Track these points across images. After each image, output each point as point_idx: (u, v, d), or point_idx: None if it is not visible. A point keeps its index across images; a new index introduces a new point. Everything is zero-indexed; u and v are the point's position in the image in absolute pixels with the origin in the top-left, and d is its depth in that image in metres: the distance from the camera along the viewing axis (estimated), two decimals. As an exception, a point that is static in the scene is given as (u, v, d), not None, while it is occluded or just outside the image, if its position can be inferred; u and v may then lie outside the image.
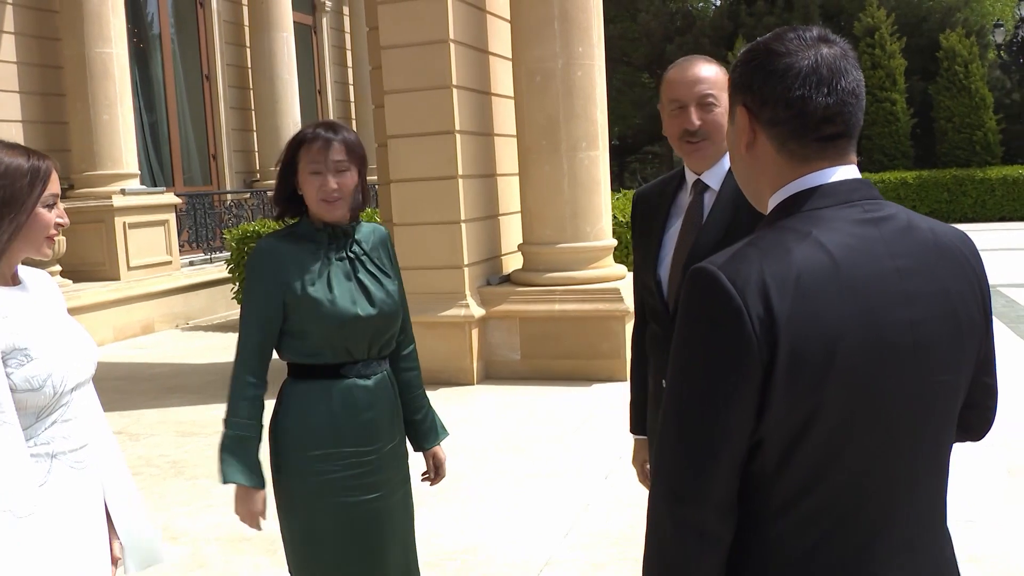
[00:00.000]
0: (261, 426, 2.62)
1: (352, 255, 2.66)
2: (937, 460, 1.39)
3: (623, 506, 4.90)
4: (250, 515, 2.62)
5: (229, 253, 11.72)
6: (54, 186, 2.09)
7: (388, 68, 7.82)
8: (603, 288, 7.96)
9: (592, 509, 4.88)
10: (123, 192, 11.43)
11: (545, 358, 7.94)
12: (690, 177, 2.52)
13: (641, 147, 35.81)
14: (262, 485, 2.60)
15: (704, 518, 1.31)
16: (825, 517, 1.33)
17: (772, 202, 1.42)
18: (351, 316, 2.57)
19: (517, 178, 8.74)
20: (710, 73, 2.43)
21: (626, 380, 7.69)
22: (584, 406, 7.06)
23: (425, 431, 2.88)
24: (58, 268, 10.75)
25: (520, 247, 8.51)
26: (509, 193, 8.77)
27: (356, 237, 2.68)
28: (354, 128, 19.22)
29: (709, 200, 2.48)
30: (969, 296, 1.38)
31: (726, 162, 2.48)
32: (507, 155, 8.71)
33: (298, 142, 2.62)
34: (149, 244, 11.76)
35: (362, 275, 2.65)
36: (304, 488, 2.62)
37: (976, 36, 27.18)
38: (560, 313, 7.93)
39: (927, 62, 27.12)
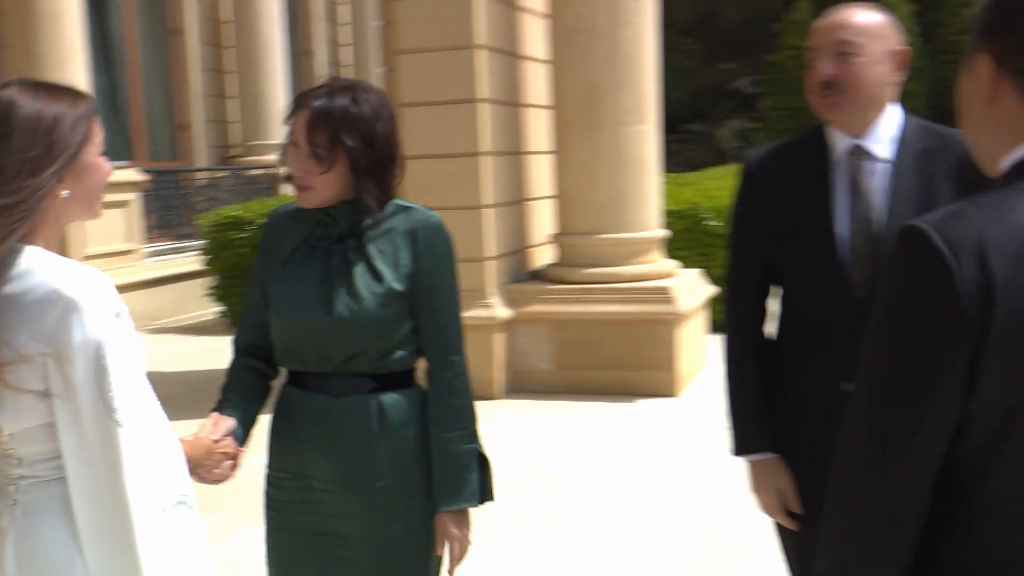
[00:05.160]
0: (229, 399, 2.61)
1: (341, 243, 2.55)
2: None
3: (687, 538, 4.94)
4: None
5: (203, 242, 11.73)
6: (100, 129, 2.08)
7: (402, 23, 7.84)
8: (650, 287, 7.99)
9: (652, 543, 4.91)
10: (79, 167, 11.48)
11: (582, 368, 7.98)
12: (840, 141, 2.56)
13: (680, 125, 35.84)
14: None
15: (898, 501, 1.40)
16: None
17: (1009, 160, 1.47)
18: (293, 316, 2.53)
19: (550, 157, 8.76)
20: (856, 19, 2.48)
21: (676, 395, 7.80)
22: (629, 425, 7.10)
23: (438, 487, 2.56)
24: None
25: (553, 238, 8.54)
26: (540, 174, 8.81)
27: (363, 222, 2.53)
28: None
29: (876, 169, 2.53)
30: None
31: (888, 124, 2.54)
32: (538, 129, 8.74)
33: (295, 101, 2.55)
34: (107, 229, 11.75)
35: (337, 269, 2.53)
36: (267, 509, 2.68)
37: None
38: (600, 316, 7.95)
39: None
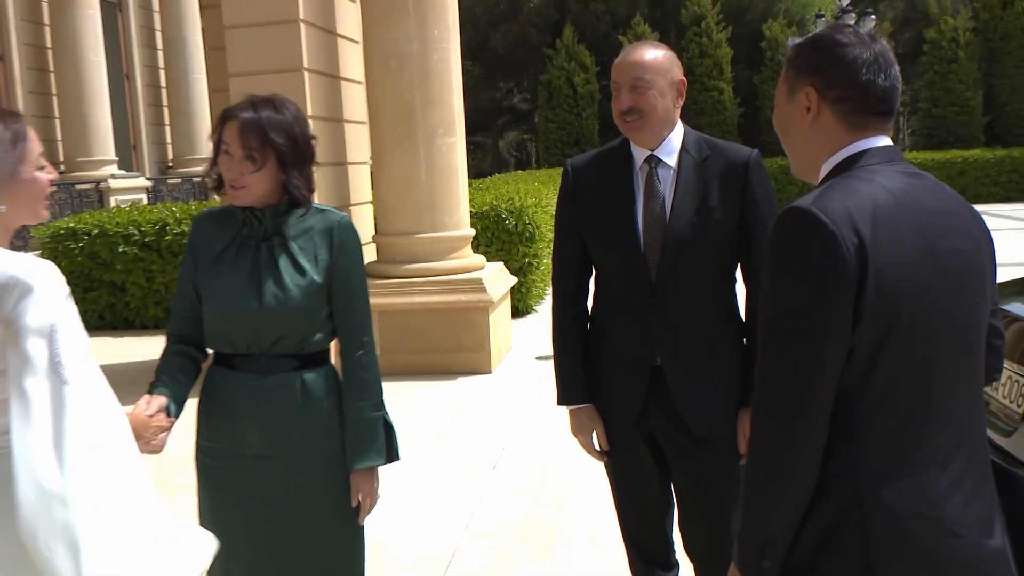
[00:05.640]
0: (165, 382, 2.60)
1: (267, 241, 2.59)
2: (974, 369, 1.74)
3: (517, 494, 5.09)
4: None
5: (37, 252, 11.22)
6: (38, 143, 2.11)
7: (233, 49, 7.70)
8: (464, 279, 8.12)
9: (487, 499, 5.04)
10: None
11: (406, 353, 8.01)
12: (639, 153, 2.82)
13: (466, 137, 36.22)
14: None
15: (813, 422, 1.61)
16: (904, 420, 1.64)
17: (829, 163, 1.78)
18: (227, 306, 2.56)
19: (366, 167, 8.78)
20: (647, 58, 2.75)
21: (490, 372, 7.97)
22: (454, 400, 7.22)
23: (350, 449, 2.64)
24: None
25: (374, 238, 8.56)
26: (359, 183, 8.79)
27: (285, 222, 2.60)
28: (166, 116, 18.67)
29: (665, 175, 2.79)
30: (984, 241, 1.75)
31: (675, 139, 2.81)
32: (355, 143, 8.73)
33: (222, 117, 2.59)
34: (-57, 244, 11.10)
35: (265, 265, 2.57)
36: (198, 469, 2.70)
37: (798, 26, 28.93)
38: (420, 306, 8.03)
39: (751, 51, 28.66)
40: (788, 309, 1.62)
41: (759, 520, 1.69)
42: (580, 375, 2.93)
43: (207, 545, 2.16)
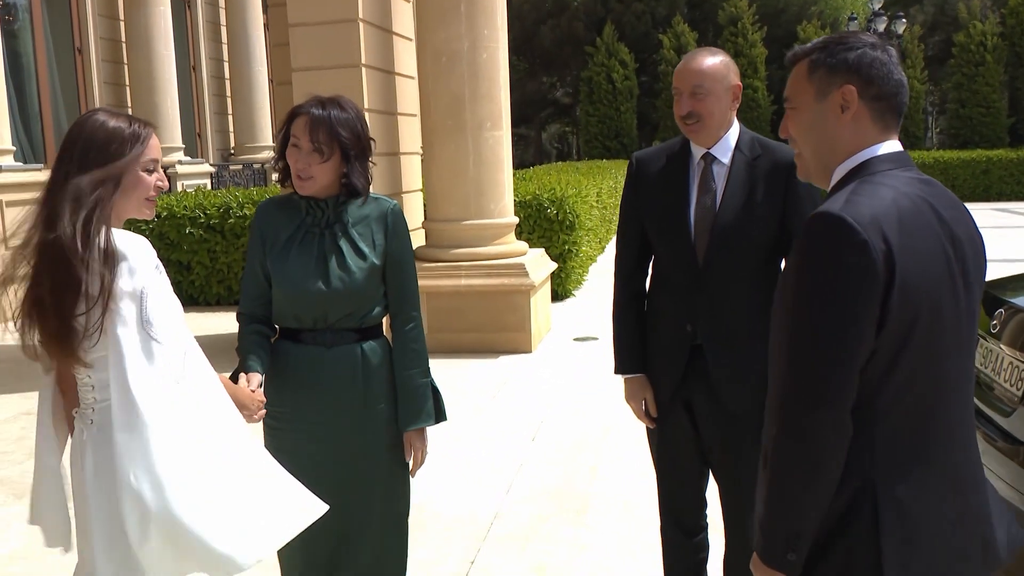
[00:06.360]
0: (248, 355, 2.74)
1: (329, 228, 2.71)
2: (970, 368, 1.78)
3: (554, 464, 5.23)
4: None
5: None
6: (154, 151, 2.27)
7: (297, 46, 7.86)
8: (508, 264, 8.25)
9: (526, 468, 5.19)
10: (-1, 168, 11.07)
11: (451, 332, 8.16)
12: (697, 151, 2.93)
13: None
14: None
15: (840, 416, 1.62)
16: (915, 415, 1.67)
17: (844, 167, 1.77)
18: (298, 288, 2.68)
19: (417, 157, 8.93)
20: (705, 66, 2.84)
21: (530, 352, 8.10)
22: (496, 376, 7.36)
23: (402, 412, 2.80)
24: (-68, 246, 10.32)
25: (424, 224, 8.71)
26: (410, 172, 8.94)
27: (345, 210, 2.71)
28: (229, 106, 18.92)
29: (718, 171, 2.89)
30: (980, 245, 1.78)
31: (731, 138, 2.91)
32: (408, 134, 8.88)
33: (291, 114, 2.73)
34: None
35: (330, 249, 2.69)
36: (266, 435, 2.83)
37: (831, 28, 28.72)
38: (466, 288, 8.18)
39: (785, 52, 28.43)
40: (818, 313, 1.61)
41: (787, 513, 1.67)
42: (635, 348, 3.05)
43: (308, 511, 2.29)
